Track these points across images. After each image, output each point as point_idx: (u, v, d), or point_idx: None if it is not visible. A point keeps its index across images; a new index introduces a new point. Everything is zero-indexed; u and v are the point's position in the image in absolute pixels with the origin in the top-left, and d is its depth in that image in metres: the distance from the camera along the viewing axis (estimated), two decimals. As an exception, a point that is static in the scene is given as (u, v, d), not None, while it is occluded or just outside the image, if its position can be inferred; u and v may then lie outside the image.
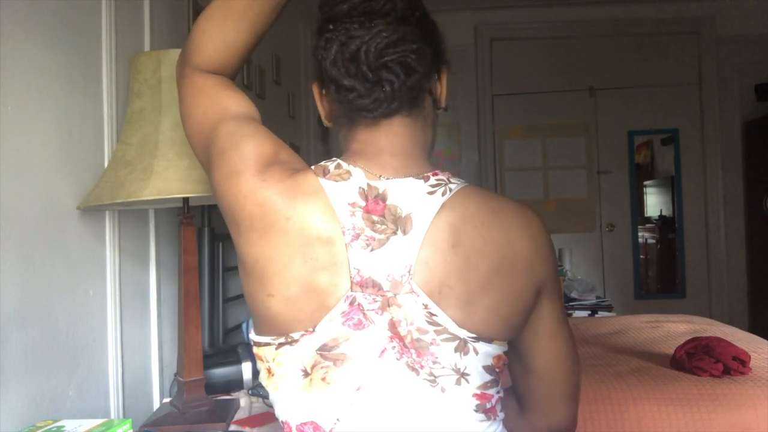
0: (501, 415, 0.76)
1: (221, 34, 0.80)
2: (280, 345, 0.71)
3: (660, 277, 4.56)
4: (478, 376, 0.71)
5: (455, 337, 0.69)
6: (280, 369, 0.71)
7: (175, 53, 1.20)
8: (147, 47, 1.50)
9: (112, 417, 1.28)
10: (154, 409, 1.41)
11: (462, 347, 0.69)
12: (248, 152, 0.73)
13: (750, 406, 1.53)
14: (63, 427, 0.87)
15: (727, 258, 4.28)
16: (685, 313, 2.88)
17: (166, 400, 1.36)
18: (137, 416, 1.31)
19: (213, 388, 1.40)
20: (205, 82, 0.81)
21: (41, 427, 0.87)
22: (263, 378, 0.75)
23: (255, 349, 0.75)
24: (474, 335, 0.69)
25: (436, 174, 0.74)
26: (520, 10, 4.31)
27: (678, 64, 4.30)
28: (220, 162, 0.74)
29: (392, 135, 0.76)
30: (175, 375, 1.31)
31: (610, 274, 4.33)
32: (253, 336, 0.76)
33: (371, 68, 0.70)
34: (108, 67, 1.31)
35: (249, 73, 2.34)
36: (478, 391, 0.71)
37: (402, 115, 0.76)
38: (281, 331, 0.71)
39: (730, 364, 1.67)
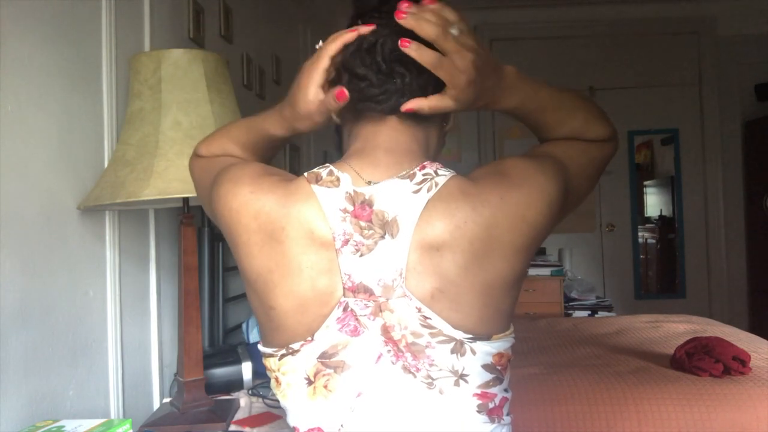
0: (507, 418, 0.74)
1: (223, 149, 0.88)
2: (283, 356, 0.72)
3: (660, 278, 4.56)
4: (477, 376, 0.70)
5: (451, 339, 0.68)
6: (285, 378, 0.72)
7: (175, 53, 1.21)
8: (147, 47, 1.50)
9: (112, 417, 1.28)
10: (154, 409, 1.41)
11: (458, 348, 0.68)
12: (237, 170, 0.76)
13: (750, 406, 1.53)
14: (63, 427, 0.87)
15: (727, 258, 4.28)
16: (685, 313, 2.88)
17: (166, 400, 1.36)
18: (137, 416, 1.31)
19: (213, 388, 1.40)
20: (209, 159, 0.88)
21: (41, 427, 0.87)
22: (273, 387, 0.75)
23: (263, 360, 0.76)
24: (470, 336, 0.69)
25: (424, 168, 0.72)
26: (520, 10, 4.31)
27: (678, 64, 4.30)
28: (215, 188, 0.77)
29: (394, 131, 0.76)
30: (175, 375, 1.31)
31: (610, 274, 4.34)
32: (260, 347, 0.77)
33: (386, 60, 0.71)
34: (108, 67, 1.31)
35: (249, 73, 2.34)
36: (479, 391, 0.70)
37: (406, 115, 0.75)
38: (282, 342, 0.72)
39: (730, 364, 1.67)
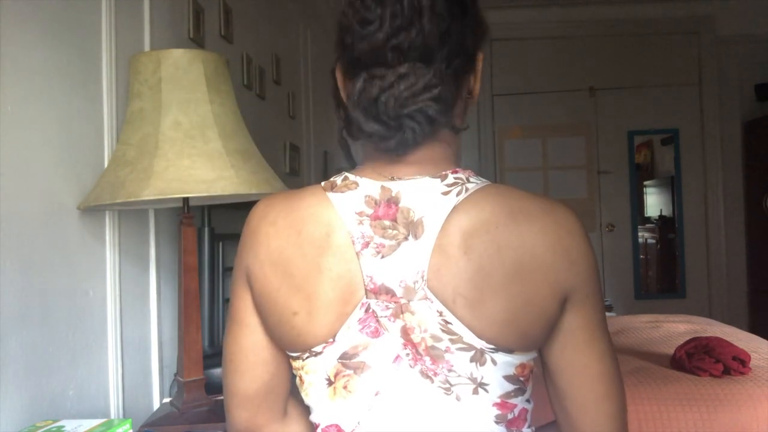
0: (528, 431, 0.72)
1: None
2: (306, 357, 0.72)
3: (660, 277, 4.56)
4: (498, 387, 0.68)
5: (471, 347, 0.66)
6: (308, 377, 0.73)
7: (176, 53, 1.21)
8: (147, 47, 1.50)
9: (112, 417, 1.28)
10: (154, 409, 1.41)
11: (478, 357, 0.66)
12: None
13: (750, 406, 1.53)
14: (63, 427, 0.87)
15: (727, 258, 4.28)
16: (685, 313, 2.88)
17: (166, 400, 1.36)
18: (137, 416, 1.32)
19: (213, 388, 1.40)
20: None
21: (41, 427, 0.87)
22: (297, 385, 0.76)
23: (290, 359, 0.77)
24: (492, 346, 0.66)
25: (456, 172, 0.70)
26: (520, 10, 4.31)
27: (678, 64, 4.30)
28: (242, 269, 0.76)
29: (417, 151, 0.72)
30: (175, 375, 1.31)
31: (610, 274, 4.34)
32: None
33: (391, 117, 0.66)
34: (108, 67, 1.31)
35: (249, 73, 2.34)
36: (499, 401, 0.68)
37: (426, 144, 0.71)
38: (304, 347, 0.72)
39: (730, 364, 1.67)
